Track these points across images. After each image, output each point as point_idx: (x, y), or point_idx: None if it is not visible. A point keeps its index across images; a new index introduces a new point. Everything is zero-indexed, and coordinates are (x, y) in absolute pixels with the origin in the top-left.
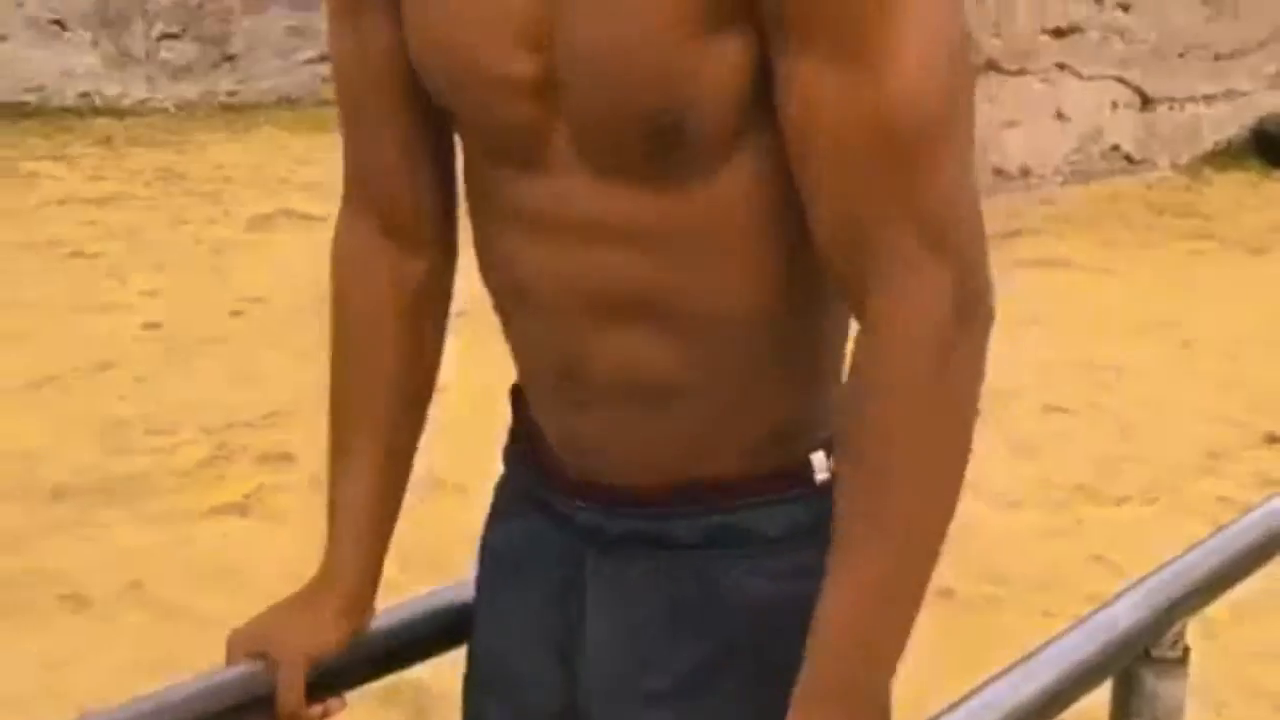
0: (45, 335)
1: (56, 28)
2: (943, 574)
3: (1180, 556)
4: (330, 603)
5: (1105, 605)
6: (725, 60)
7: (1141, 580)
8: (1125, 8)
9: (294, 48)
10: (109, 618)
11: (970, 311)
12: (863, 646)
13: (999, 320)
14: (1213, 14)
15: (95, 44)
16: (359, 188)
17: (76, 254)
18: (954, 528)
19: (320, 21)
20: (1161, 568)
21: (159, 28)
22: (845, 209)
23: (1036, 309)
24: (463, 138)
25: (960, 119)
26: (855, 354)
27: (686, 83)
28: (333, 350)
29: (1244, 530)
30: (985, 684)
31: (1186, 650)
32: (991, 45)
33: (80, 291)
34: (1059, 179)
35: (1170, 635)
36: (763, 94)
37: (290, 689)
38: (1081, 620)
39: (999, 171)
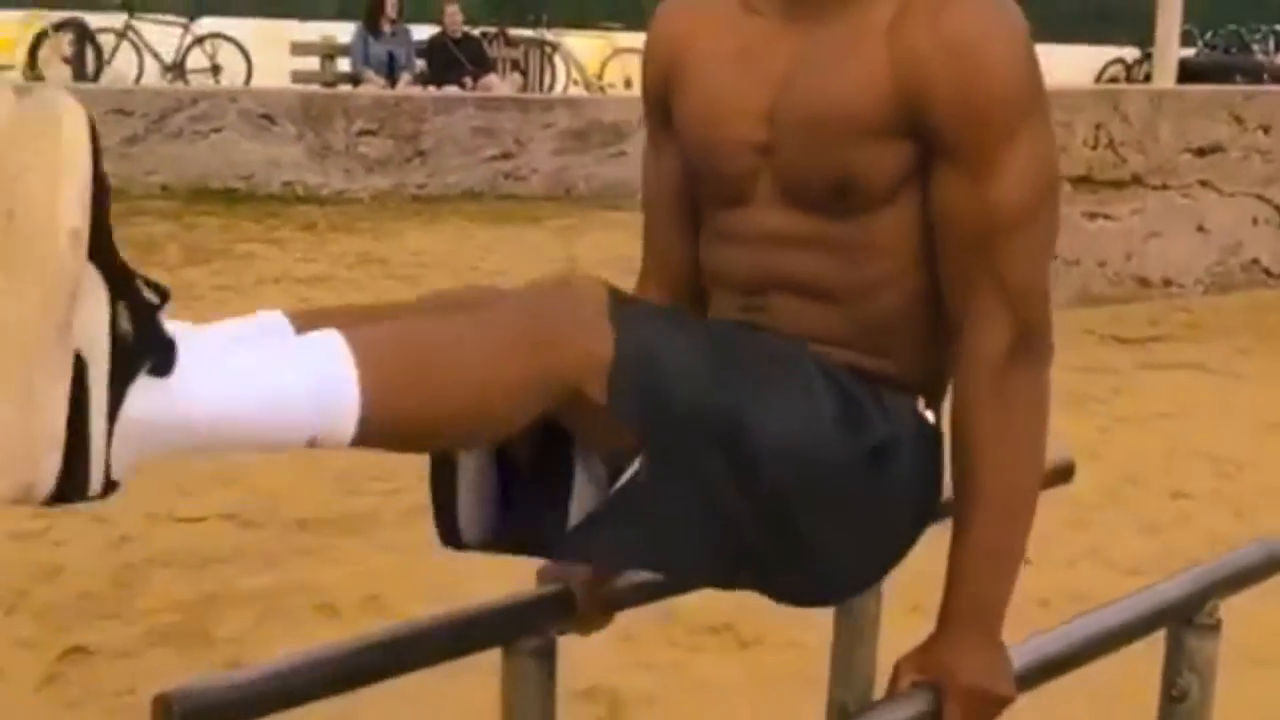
0: None
1: (266, 122)
2: None
3: (1218, 558)
4: None
5: (1161, 581)
6: (889, 153)
7: (1189, 569)
8: (1266, 129)
9: (479, 146)
10: (356, 624)
11: (1025, 348)
12: (976, 586)
13: (1131, 415)
14: None
15: (300, 138)
16: (652, 260)
17: None
18: (1084, 587)
19: (504, 121)
20: (1204, 564)
21: (358, 124)
22: (957, 269)
23: (1168, 406)
24: (700, 189)
25: (1040, 223)
26: (953, 367)
27: (862, 163)
28: None
29: (1257, 549)
30: (1070, 620)
31: (1219, 621)
32: (1136, 161)
33: None
34: (1199, 289)
35: (1207, 609)
36: (916, 172)
37: (585, 601)
38: (1145, 589)
39: (1142, 280)
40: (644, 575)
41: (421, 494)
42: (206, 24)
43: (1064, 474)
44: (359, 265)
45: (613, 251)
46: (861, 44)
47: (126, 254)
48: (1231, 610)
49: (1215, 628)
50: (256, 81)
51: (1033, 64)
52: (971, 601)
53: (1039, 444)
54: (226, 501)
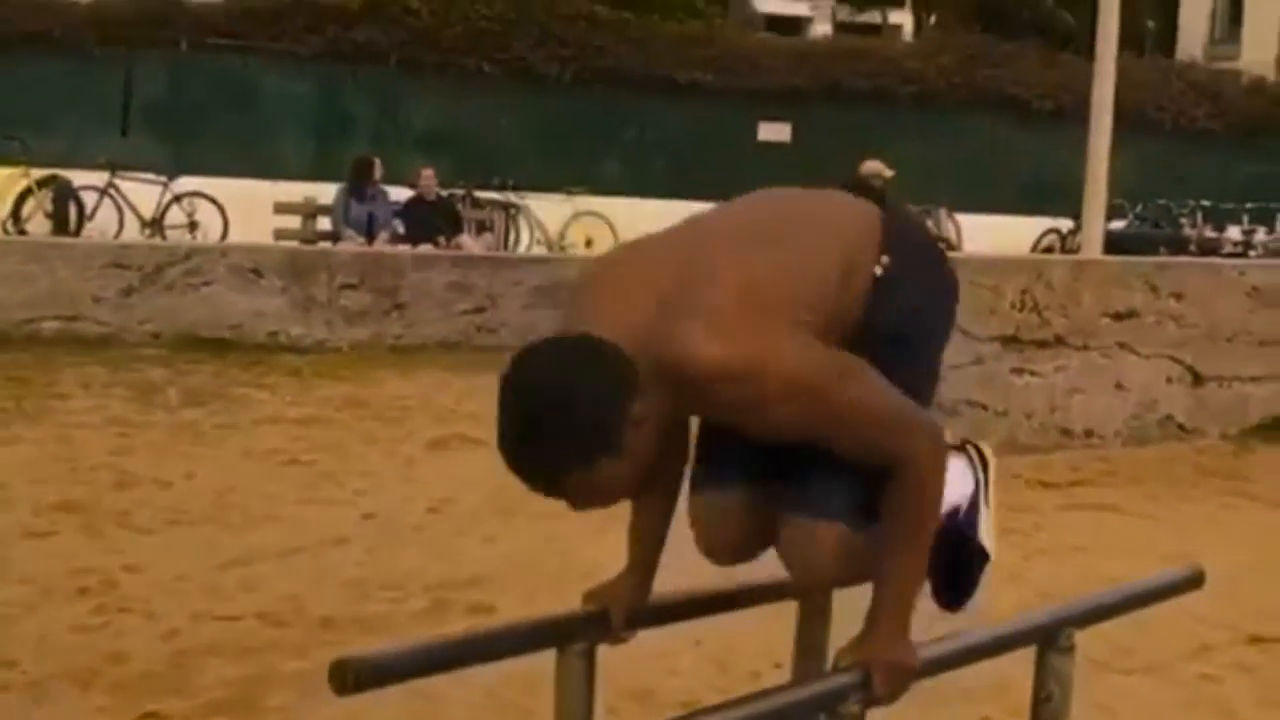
0: (287, 519)
1: (254, 276)
2: None
3: (1076, 598)
4: (632, 579)
5: (1032, 611)
6: None
7: (1052, 605)
8: (1178, 296)
9: (453, 300)
10: (379, 698)
11: (902, 463)
12: (891, 598)
13: (1051, 547)
14: (1256, 305)
15: (285, 291)
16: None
17: (293, 461)
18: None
19: (477, 278)
20: (1065, 601)
21: (340, 279)
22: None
23: (1084, 541)
24: None
25: (839, 406)
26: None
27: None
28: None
29: (1117, 591)
30: (954, 634)
31: (1074, 646)
32: (1060, 323)
33: (304, 490)
34: (1118, 440)
35: (1064, 635)
36: None
37: (618, 621)
38: (1019, 616)
39: (1065, 431)
40: (662, 601)
41: (427, 599)
42: (185, 182)
43: (1195, 582)
44: (345, 408)
45: None
46: None
47: (130, 397)
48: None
49: (1070, 650)
50: (234, 238)
51: (741, 346)
52: (888, 607)
53: (929, 509)
54: (255, 604)
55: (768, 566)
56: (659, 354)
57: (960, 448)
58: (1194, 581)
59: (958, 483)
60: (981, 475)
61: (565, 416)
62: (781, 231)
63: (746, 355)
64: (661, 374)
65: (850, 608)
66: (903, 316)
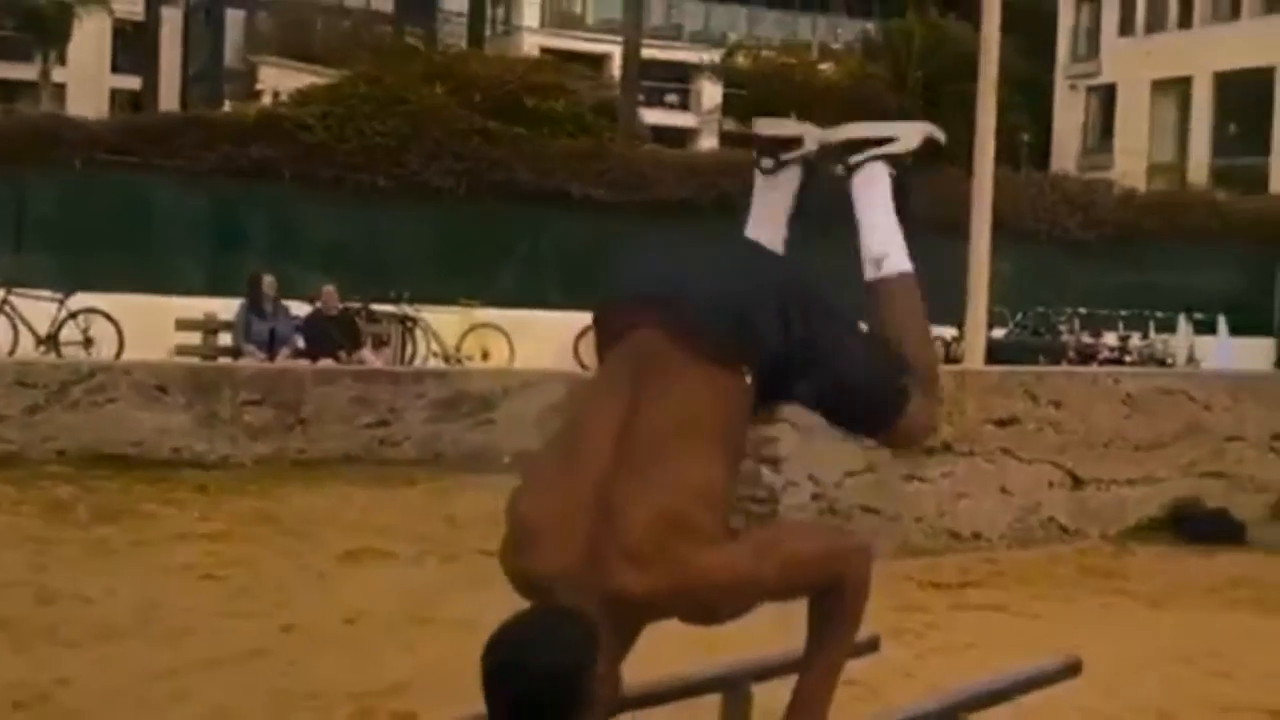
0: (205, 632)
1: (158, 392)
2: None
3: (964, 685)
4: None
5: (924, 699)
6: None
7: (941, 693)
8: (1057, 404)
9: (356, 414)
10: None
11: (828, 598)
12: (811, 688)
13: (942, 646)
14: (1131, 413)
15: (189, 407)
16: None
17: (208, 576)
18: None
19: (379, 392)
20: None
21: (243, 395)
22: None
23: (973, 639)
24: None
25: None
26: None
27: None
28: None
29: (1003, 678)
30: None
31: None
32: (946, 431)
33: (223, 603)
34: (1004, 543)
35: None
36: None
37: None
38: (913, 703)
39: (954, 534)
40: None
41: (351, 707)
42: (81, 299)
43: (1074, 670)
44: (255, 523)
45: (484, 510)
46: None
47: (40, 514)
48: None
49: None
50: (130, 354)
51: (665, 575)
52: (812, 700)
53: (856, 618)
54: (187, 715)
55: (692, 665)
56: (602, 592)
57: None
58: (1073, 670)
59: None
60: None
61: (548, 694)
62: (669, 451)
63: (673, 580)
64: (607, 613)
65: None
66: (795, 349)
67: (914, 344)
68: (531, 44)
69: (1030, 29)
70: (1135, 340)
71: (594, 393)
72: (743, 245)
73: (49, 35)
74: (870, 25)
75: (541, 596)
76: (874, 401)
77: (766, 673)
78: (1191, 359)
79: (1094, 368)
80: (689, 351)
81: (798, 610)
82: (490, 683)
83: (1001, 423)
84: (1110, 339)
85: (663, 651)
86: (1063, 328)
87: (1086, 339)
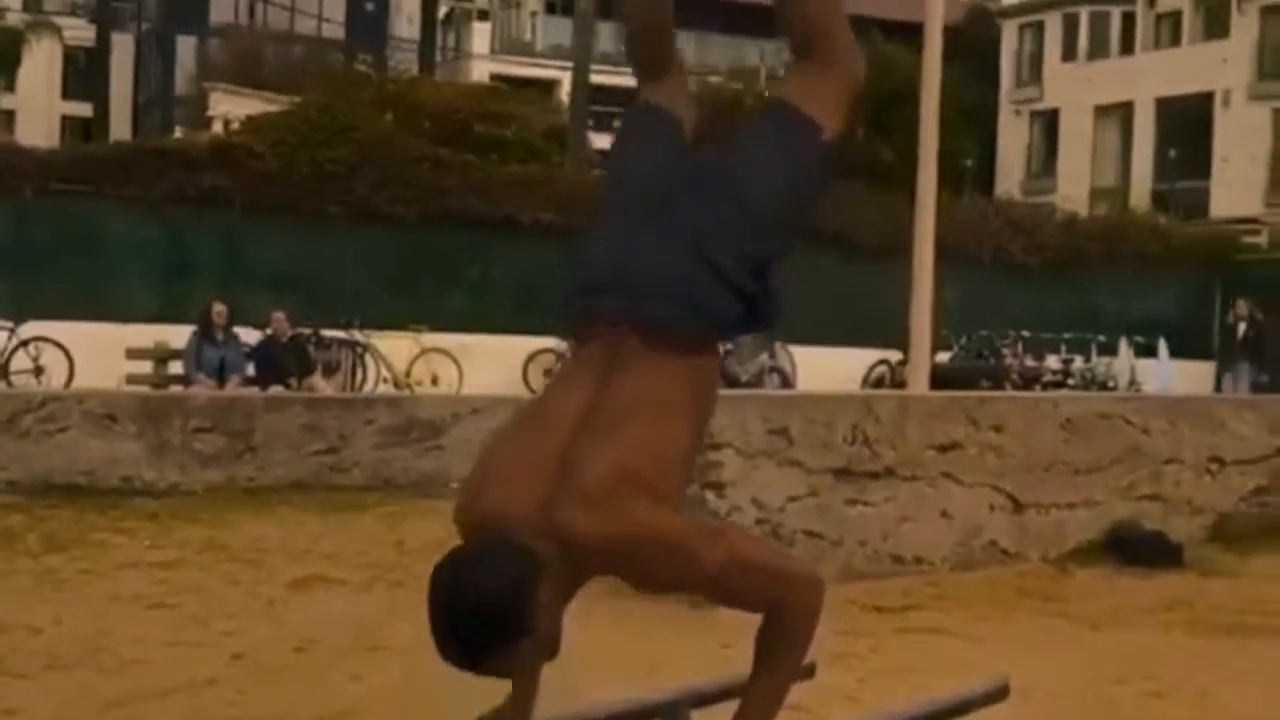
0: (158, 661)
1: (109, 421)
2: None
3: (896, 709)
4: (518, 706)
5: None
6: None
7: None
8: (998, 429)
9: (306, 441)
10: None
11: (778, 609)
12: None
13: (885, 669)
14: (1070, 437)
15: (140, 435)
16: None
17: (158, 605)
18: None
19: (329, 419)
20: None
21: (194, 423)
22: None
23: (916, 662)
24: None
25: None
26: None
27: None
28: None
29: (932, 702)
30: None
31: None
32: (888, 455)
33: (172, 632)
34: (946, 566)
35: None
36: None
37: None
38: None
39: (897, 559)
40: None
41: None
42: (31, 327)
43: (1002, 693)
44: (205, 551)
45: (433, 536)
46: None
47: None
48: None
49: None
50: (81, 382)
51: (615, 523)
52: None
53: (800, 648)
54: None
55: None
56: (553, 535)
57: None
58: (1001, 693)
59: None
60: None
61: (487, 616)
62: (632, 419)
63: (619, 529)
64: (559, 553)
65: None
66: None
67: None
68: (482, 70)
69: (974, 55)
70: (1078, 363)
71: (566, 372)
72: (682, 197)
73: None
74: None
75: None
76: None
77: (706, 699)
78: (1133, 382)
79: (1034, 392)
80: (659, 344)
81: (743, 643)
82: (433, 602)
83: (943, 448)
84: (1053, 362)
85: (603, 677)
86: (1006, 351)
87: (1030, 362)
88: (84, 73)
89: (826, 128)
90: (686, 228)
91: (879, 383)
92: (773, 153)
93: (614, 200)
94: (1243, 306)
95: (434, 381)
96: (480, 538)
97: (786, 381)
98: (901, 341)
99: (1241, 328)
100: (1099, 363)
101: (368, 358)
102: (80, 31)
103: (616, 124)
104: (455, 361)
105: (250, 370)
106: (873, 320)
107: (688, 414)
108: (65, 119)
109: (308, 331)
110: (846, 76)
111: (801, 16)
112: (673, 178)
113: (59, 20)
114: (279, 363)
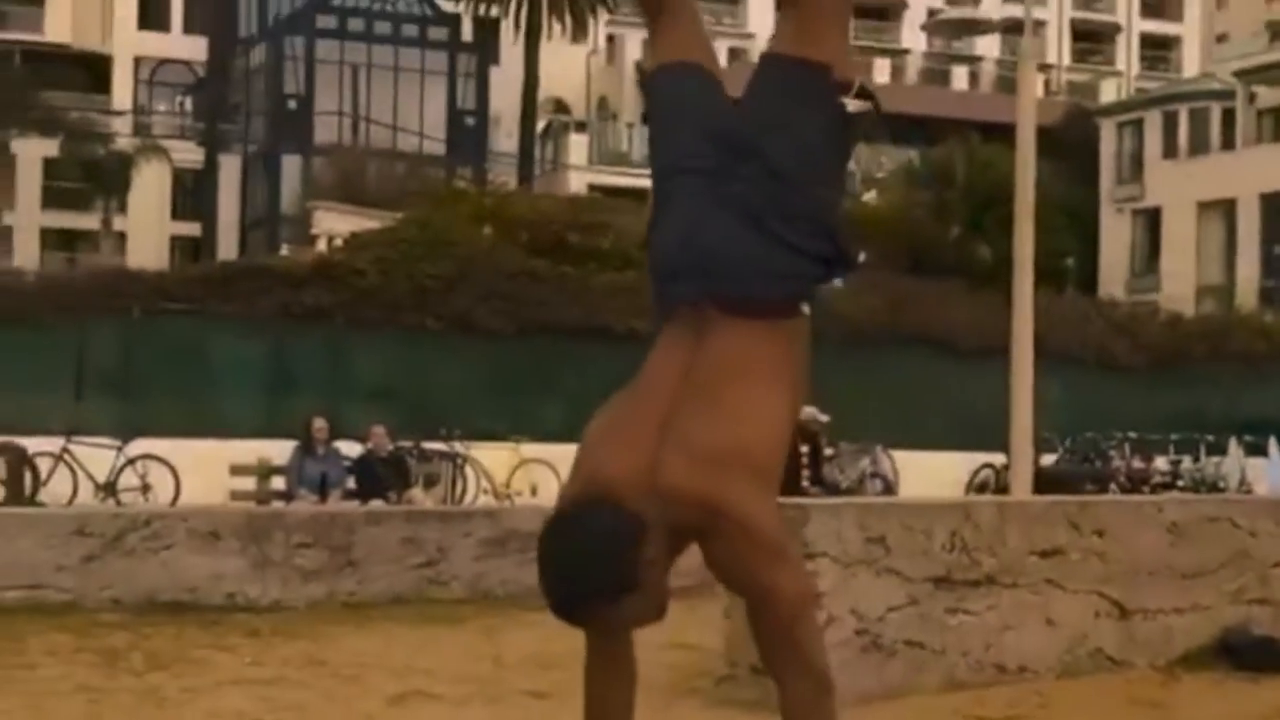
0: None
1: (212, 538)
2: None
3: None
4: None
5: None
6: None
7: None
8: (1101, 534)
9: (406, 554)
10: None
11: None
12: None
13: None
14: (1176, 540)
15: (242, 552)
16: None
17: None
18: None
19: (428, 531)
20: None
21: (296, 538)
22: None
23: None
24: None
25: None
26: None
27: None
28: None
29: None
30: None
31: None
32: (989, 563)
33: None
34: (1051, 674)
35: None
36: None
37: None
38: None
39: (1000, 668)
40: None
41: None
42: (139, 445)
43: None
44: (306, 667)
45: (532, 649)
46: None
47: (96, 663)
48: None
49: None
50: (187, 497)
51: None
52: None
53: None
54: None
55: None
56: (657, 493)
57: None
58: None
59: None
60: None
61: (592, 569)
62: (734, 388)
63: (721, 493)
64: (662, 513)
65: None
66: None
67: None
68: (579, 181)
69: (1074, 154)
70: (1187, 464)
71: (659, 346)
72: (728, 167)
73: (110, 185)
74: (913, 154)
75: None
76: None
77: None
78: (1244, 482)
79: (1138, 496)
80: (744, 316)
81: None
82: (542, 556)
83: (1045, 554)
84: (1161, 464)
85: None
86: (1113, 453)
87: (1137, 464)
88: (192, 193)
89: (828, 64)
90: (739, 201)
91: (983, 487)
92: (788, 109)
93: (668, 179)
94: None
95: (533, 492)
96: (587, 495)
97: (889, 487)
98: (1005, 444)
99: None
100: (1208, 463)
101: (467, 469)
102: (188, 154)
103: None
104: (554, 471)
105: (351, 484)
106: (976, 423)
107: (785, 379)
108: (174, 239)
109: (408, 444)
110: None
111: None
112: (715, 147)
113: (167, 143)
114: (379, 477)
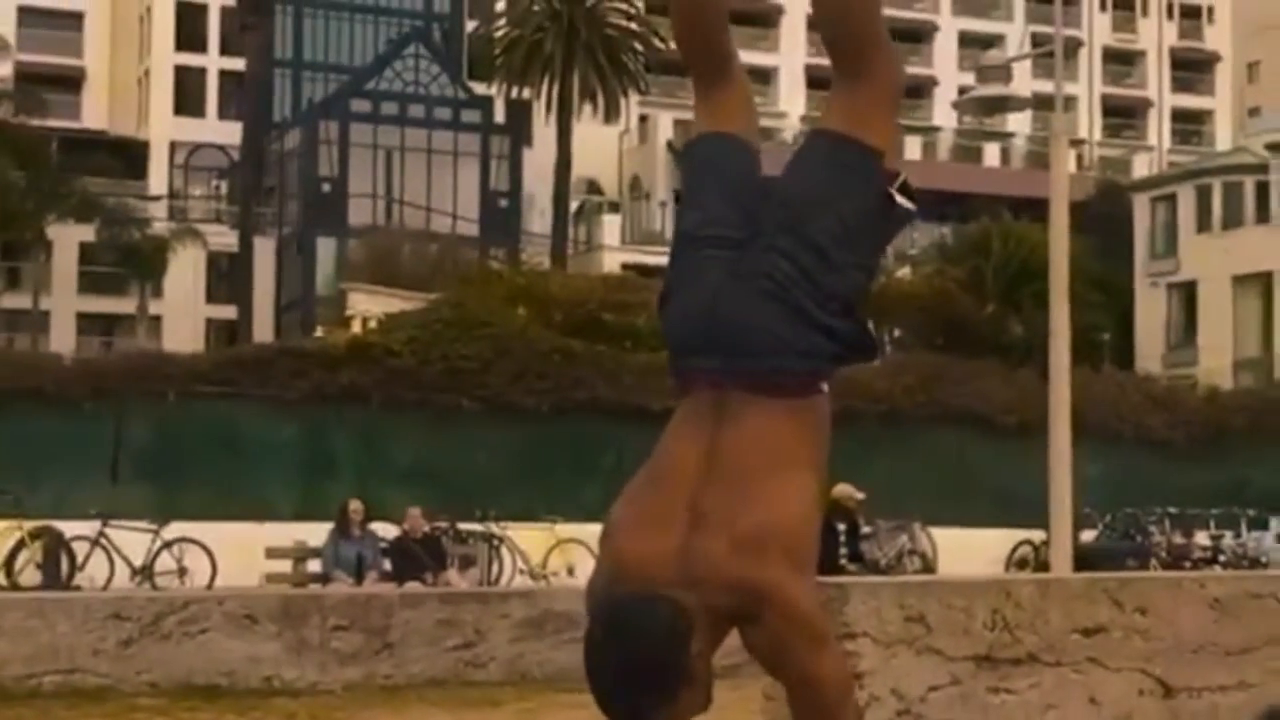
0: None
1: (248, 622)
2: None
3: None
4: None
5: None
6: None
7: None
8: (1143, 611)
9: (441, 637)
10: None
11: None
12: None
13: None
14: (1220, 617)
15: (279, 635)
16: None
17: None
18: None
19: (464, 613)
20: None
21: (332, 621)
22: None
23: None
24: None
25: None
26: None
27: None
28: None
29: None
30: None
31: None
32: (1030, 641)
33: None
34: None
35: None
36: None
37: None
38: None
39: None
40: None
41: None
42: (175, 528)
43: None
44: None
45: None
46: None
47: None
48: None
49: None
50: (223, 579)
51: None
52: None
53: None
54: None
55: None
56: (693, 581)
57: None
58: None
59: None
60: None
61: (648, 670)
62: (760, 471)
63: (764, 578)
64: (700, 602)
65: None
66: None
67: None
68: (613, 260)
69: (1108, 230)
70: (1228, 540)
71: (677, 425)
72: (758, 240)
73: (145, 269)
74: (946, 230)
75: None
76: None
77: None
78: None
79: (1179, 572)
80: (764, 391)
81: None
82: (592, 663)
83: (1088, 631)
84: (1202, 539)
85: None
86: (1153, 528)
87: (1178, 539)
88: (227, 277)
89: (881, 150)
90: (767, 274)
91: (1023, 563)
92: (834, 187)
93: (691, 246)
94: None
95: (570, 571)
96: (626, 593)
97: (927, 565)
98: (1044, 521)
99: None
100: (1249, 538)
101: (503, 550)
102: (223, 237)
103: (682, 166)
104: (590, 551)
105: (387, 566)
106: (1015, 500)
107: (809, 458)
108: (210, 322)
109: (444, 525)
110: (889, 86)
111: (840, 26)
112: (746, 218)
113: (202, 227)
114: (415, 558)
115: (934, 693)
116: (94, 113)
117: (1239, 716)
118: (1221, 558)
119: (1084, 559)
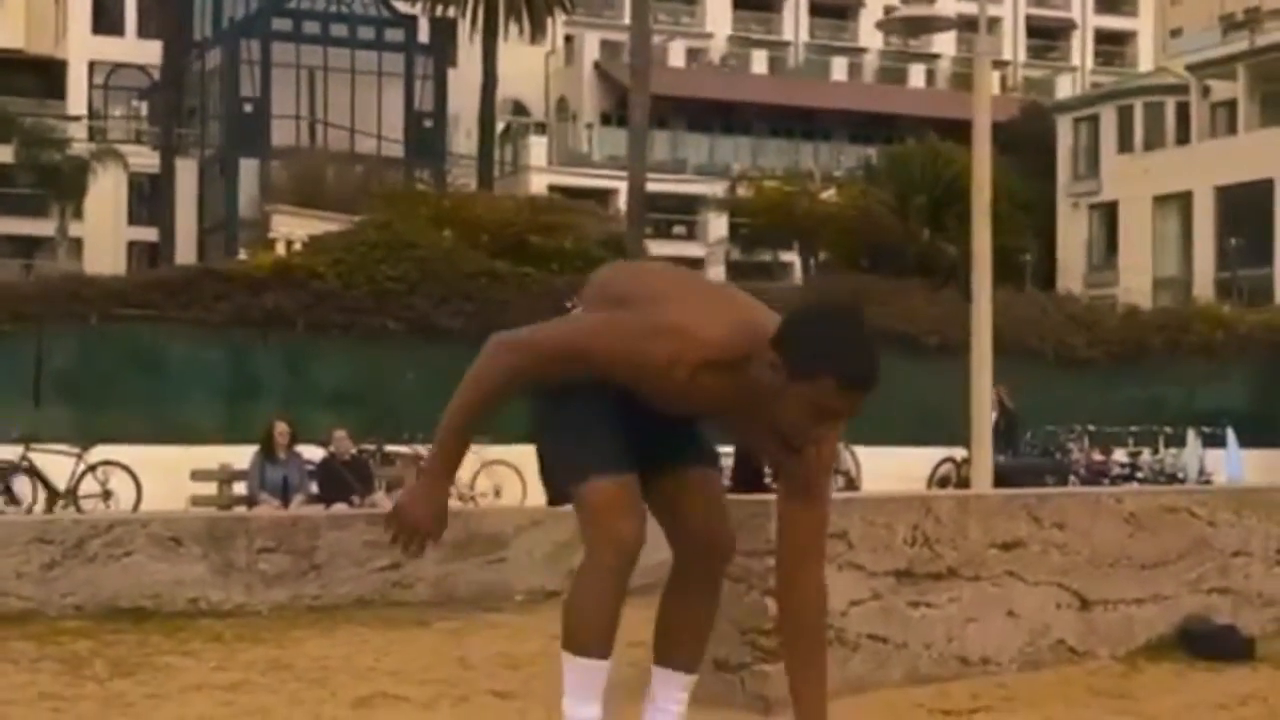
0: None
1: (173, 544)
2: None
3: None
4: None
5: None
6: None
7: None
8: (1061, 526)
9: (370, 557)
10: None
11: None
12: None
13: None
14: (1135, 531)
15: (204, 557)
16: None
17: None
18: None
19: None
20: None
21: (258, 543)
22: None
23: None
24: None
25: None
26: None
27: None
28: None
29: None
30: None
31: None
32: (950, 556)
33: None
34: (1014, 666)
35: None
36: None
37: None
38: None
39: (963, 660)
40: None
41: None
42: (99, 451)
43: None
44: (270, 671)
45: (496, 649)
46: None
47: (59, 670)
48: None
49: None
50: (149, 503)
51: None
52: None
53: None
54: None
55: None
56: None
57: None
58: None
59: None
60: None
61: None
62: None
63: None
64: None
65: None
66: None
67: None
68: (540, 182)
69: (1031, 150)
70: (1146, 456)
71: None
72: None
73: (66, 191)
74: (871, 152)
75: None
76: None
77: None
78: (1203, 473)
79: (1097, 488)
80: None
81: None
82: (854, 334)
83: (1006, 546)
84: (1121, 456)
85: None
86: (1072, 446)
87: (1097, 457)
88: (149, 199)
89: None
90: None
91: (944, 481)
92: None
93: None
94: None
95: (497, 493)
96: (843, 300)
97: (851, 483)
98: (966, 439)
99: None
100: (1167, 455)
101: None
102: (144, 159)
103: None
104: (518, 472)
105: (314, 488)
106: (937, 419)
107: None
108: (132, 244)
109: (371, 447)
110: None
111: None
112: None
113: (123, 148)
114: (342, 480)
115: (855, 607)
116: (9, 31)
117: (1154, 628)
118: (1139, 474)
119: (1005, 476)
